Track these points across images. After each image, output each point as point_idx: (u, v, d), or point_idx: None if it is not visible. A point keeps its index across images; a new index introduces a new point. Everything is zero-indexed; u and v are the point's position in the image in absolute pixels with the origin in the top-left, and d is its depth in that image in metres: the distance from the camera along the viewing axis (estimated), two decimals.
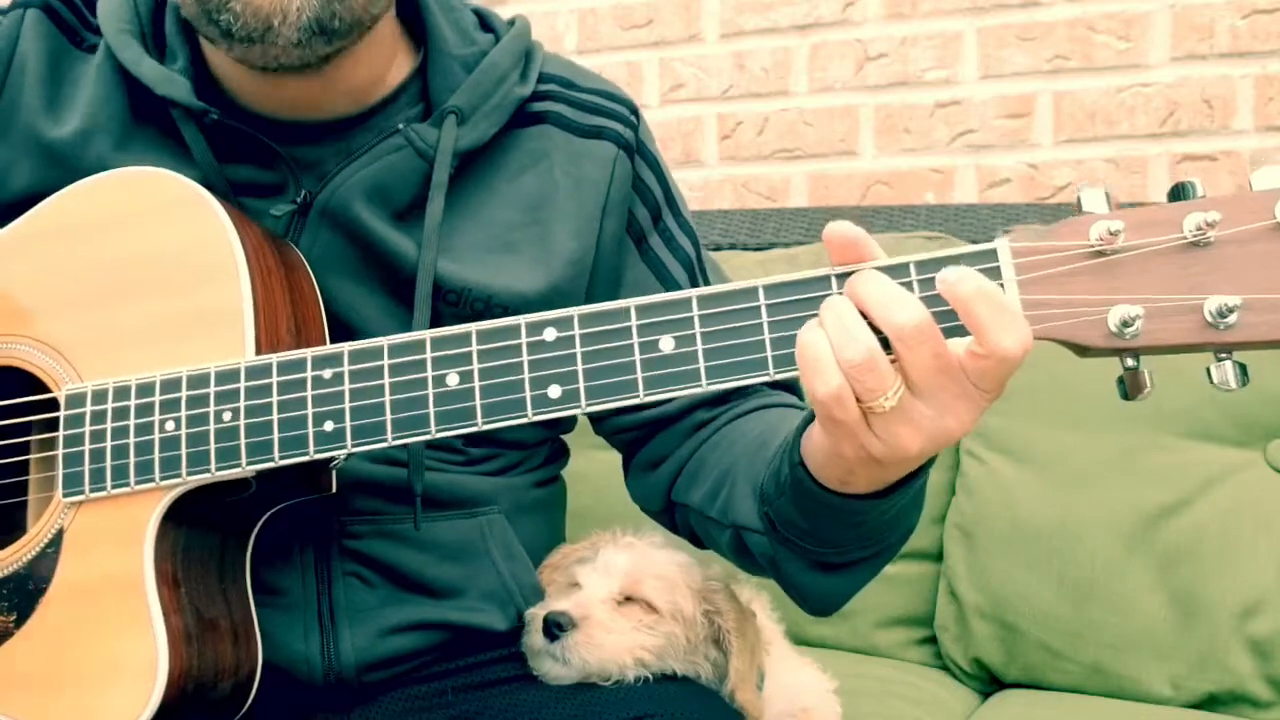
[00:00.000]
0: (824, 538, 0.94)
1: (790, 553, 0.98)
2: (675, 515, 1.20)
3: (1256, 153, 2.01)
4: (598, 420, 1.25)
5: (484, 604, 1.14)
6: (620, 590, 1.13)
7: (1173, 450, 1.66)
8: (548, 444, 1.27)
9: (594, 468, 1.55)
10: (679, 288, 1.10)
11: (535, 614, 1.12)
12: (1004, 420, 1.76)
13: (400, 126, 1.10)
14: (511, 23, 1.21)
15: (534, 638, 1.11)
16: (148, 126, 1.11)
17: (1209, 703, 1.61)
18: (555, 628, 1.09)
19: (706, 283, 1.23)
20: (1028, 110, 2.14)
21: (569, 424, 1.30)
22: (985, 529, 1.74)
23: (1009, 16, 2.14)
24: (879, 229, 1.99)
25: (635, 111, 1.23)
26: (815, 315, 0.79)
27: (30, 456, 1.07)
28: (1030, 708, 1.67)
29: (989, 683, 1.78)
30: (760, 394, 1.19)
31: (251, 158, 1.10)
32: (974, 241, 1.97)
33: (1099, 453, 1.69)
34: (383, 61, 1.14)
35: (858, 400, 0.78)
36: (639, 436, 1.22)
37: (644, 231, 1.21)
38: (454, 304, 1.10)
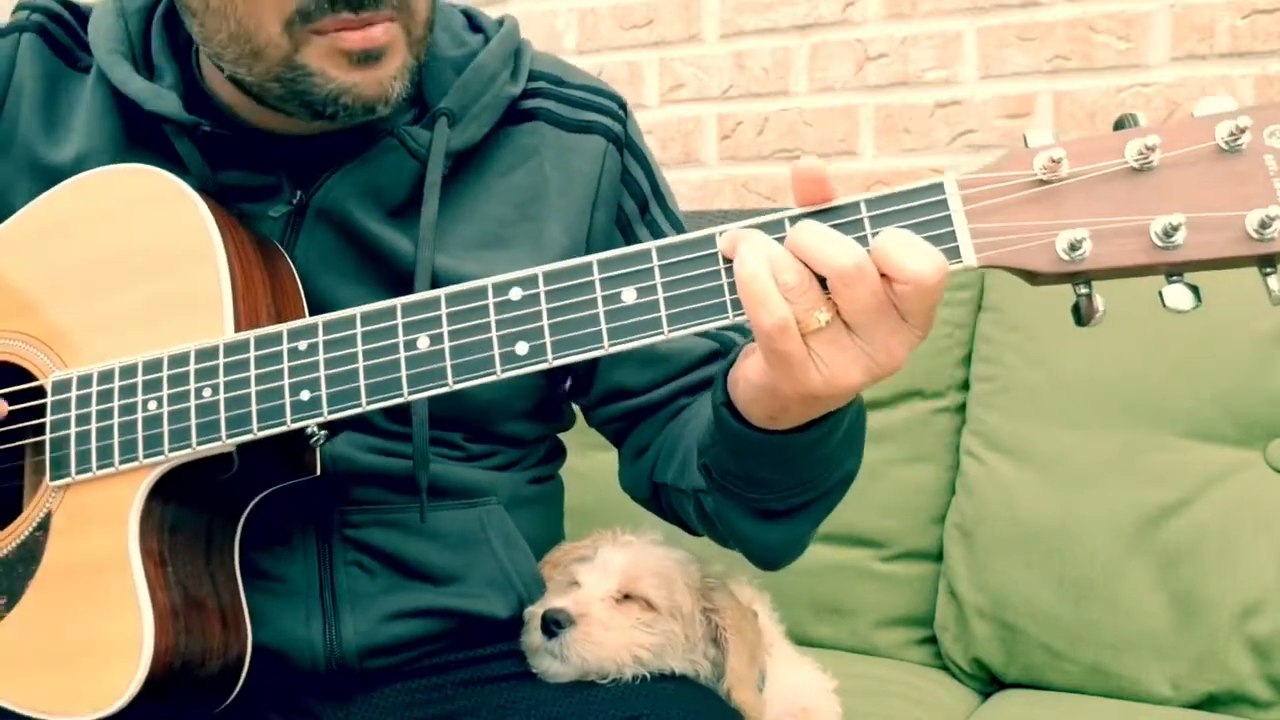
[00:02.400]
0: (755, 479, 0.97)
1: (728, 500, 1.01)
2: (660, 499, 1.21)
3: None
4: (588, 411, 1.27)
5: (485, 590, 1.15)
6: (618, 588, 1.13)
7: (1173, 450, 1.66)
8: (545, 441, 1.28)
9: (594, 467, 1.55)
10: None
11: (534, 612, 1.12)
12: (1004, 420, 1.76)
13: (394, 129, 1.12)
14: (500, 22, 1.23)
15: (533, 635, 1.11)
16: (142, 144, 1.13)
17: (1209, 703, 1.61)
18: (554, 625, 1.09)
19: None
20: (1028, 110, 2.14)
21: (567, 421, 1.31)
22: (985, 529, 1.74)
23: (1009, 16, 2.14)
24: None
25: (624, 106, 1.25)
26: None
27: (25, 442, 1.09)
28: (1030, 708, 1.67)
29: (989, 683, 1.78)
30: None
31: (245, 164, 1.12)
32: None
33: (1099, 453, 1.69)
34: None
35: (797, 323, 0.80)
36: (625, 426, 1.23)
37: (630, 224, 1.23)
38: None
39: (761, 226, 0.84)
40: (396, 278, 1.11)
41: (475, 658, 1.15)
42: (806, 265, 0.80)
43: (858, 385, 0.82)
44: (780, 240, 0.82)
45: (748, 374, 0.89)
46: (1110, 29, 2.07)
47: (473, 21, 1.24)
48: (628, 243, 1.20)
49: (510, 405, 1.18)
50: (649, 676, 1.10)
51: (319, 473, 1.05)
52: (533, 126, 1.19)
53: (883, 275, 0.80)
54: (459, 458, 1.17)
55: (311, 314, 1.07)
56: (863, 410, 0.97)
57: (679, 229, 1.25)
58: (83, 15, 1.20)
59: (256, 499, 1.05)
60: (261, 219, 1.11)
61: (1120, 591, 1.65)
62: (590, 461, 1.52)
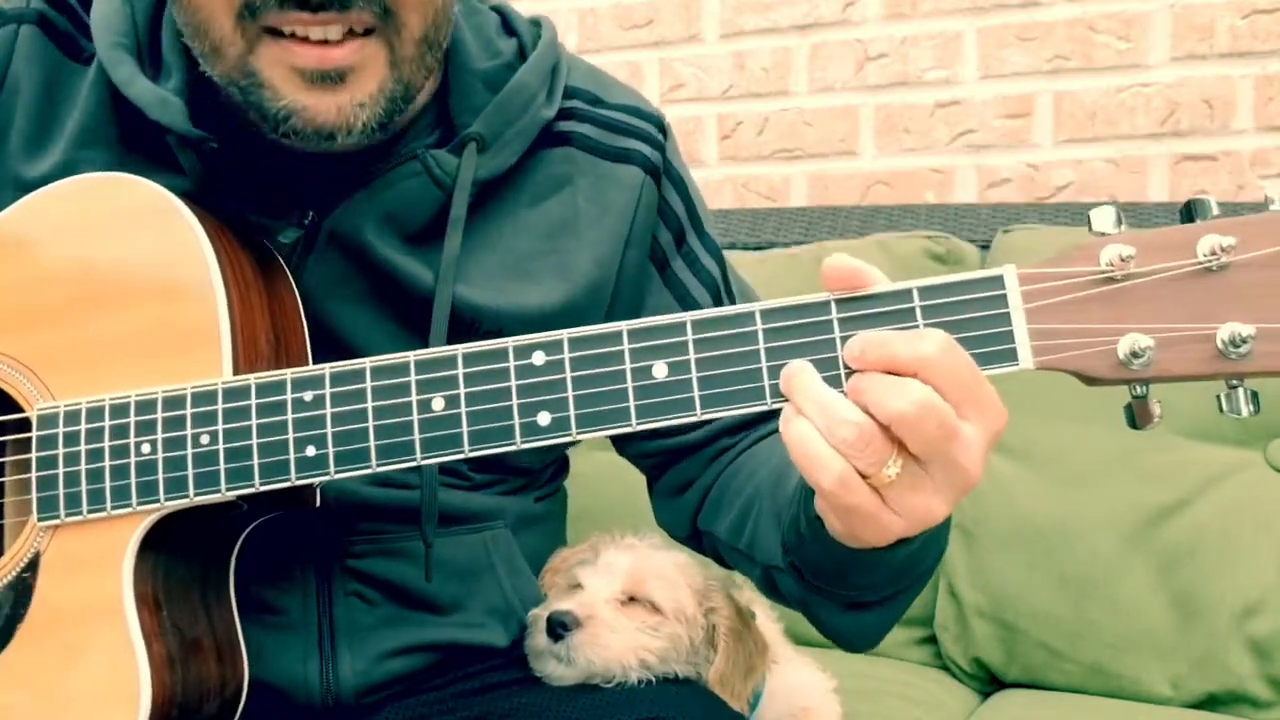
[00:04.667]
0: (852, 581, 0.91)
1: (820, 598, 0.96)
2: (703, 542, 1.18)
3: (1257, 153, 2.01)
4: (619, 444, 1.21)
5: (486, 619, 1.12)
6: (623, 590, 1.13)
7: (1173, 450, 1.66)
8: (553, 465, 1.24)
9: (594, 467, 1.55)
10: None
11: (538, 615, 1.11)
12: None
13: (419, 153, 1.04)
14: (536, 24, 1.16)
15: (537, 638, 1.10)
16: (140, 150, 1.04)
17: (1209, 703, 1.61)
18: (559, 627, 1.08)
19: (733, 303, 1.17)
20: (1028, 110, 2.14)
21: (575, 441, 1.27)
22: (985, 529, 1.74)
23: (1009, 16, 2.14)
24: (879, 229, 1.99)
25: (664, 129, 1.17)
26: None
27: (5, 479, 1.03)
28: (1030, 708, 1.67)
29: (989, 683, 1.78)
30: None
31: (253, 180, 1.04)
32: (973, 241, 1.97)
33: (1099, 452, 1.69)
34: None
35: (864, 478, 0.75)
36: (662, 462, 1.18)
37: (667, 257, 1.17)
38: (466, 331, 1.06)
39: (802, 307, 0.79)
40: (411, 307, 1.05)
41: (475, 671, 1.12)
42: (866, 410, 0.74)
43: (945, 514, 0.77)
44: (835, 374, 0.77)
45: (828, 518, 0.82)
46: (1110, 29, 2.07)
47: (507, 22, 1.15)
48: (663, 277, 1.16)
49: None
50: (654, 679, 1.10)
51: (317, 505, 0.99)
52: (566, 153, 1.12)
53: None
54: (465, 487, 1.12)
55: (317, 340, 1.02)
56: None
57: (716, 255, 1.19)
58: None
59: (249, 529, 1.00)
60: (269, 239, 1.03)
61: (1120, 591, 1.65)
62: (590, 462, 1.52)
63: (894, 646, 1.84)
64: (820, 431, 0.75)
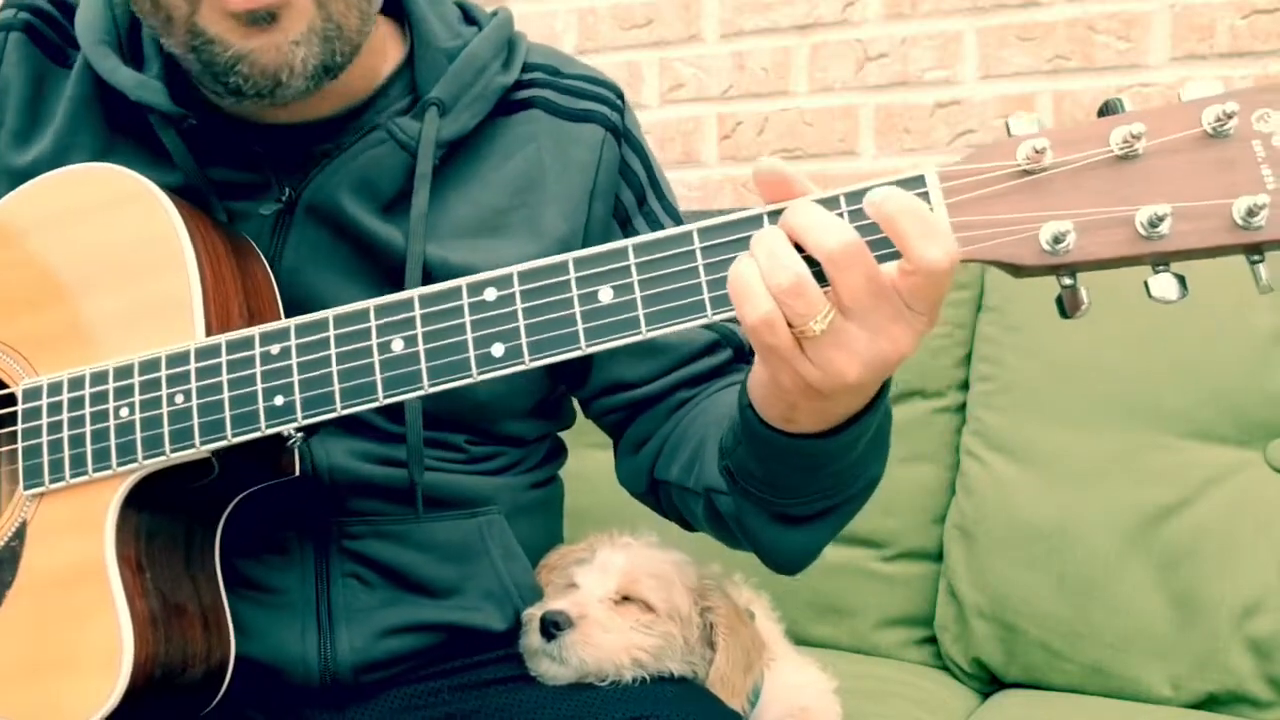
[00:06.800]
0: (781, 484, 0.95)
1: (751, 505, 0.99)
2: (659, 495, 1.20)
3: None
4: (585, 403, 1.25)
5: (482, 603, 1.14)
6: (617, 589, 1.13)
7: (1173, 450, 1.66)
8: (547, 440, 1.27)
9: (593, 467, 1.55)
10: None
11: (532, 614, 1.12)
12: (1004, 420, 1.76)
13: (382, 121, 1.10)
14: (494, 14, 1.22)
15: (531, 638, 1.11)
16: (127, 135, 1.11)
17: (1209, 703, 1.61)
18: (552, 627, 1.09)
19: None
20: (1028, 110, 2.14)
21: (568, 418, 1.31)
22: (985, 529, 1.74)
23: (1009, 16, 2.14)
24: None
25: (620, 96, 1.23)
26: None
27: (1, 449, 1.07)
28: (1030, 708, 1.67)
29: (989, 683, 1.78)
30: (740, 371, 1.19)
31: (233, 160, 1.10)
32: None
33: (1099, 453, 1.69)
34: (372, 62, 1.14)
35: (790, 325, 0.78)
36: (624, 418, 1.22)
37: (629, 215, 1.22)
38: None
39: (737, 223, 0.82)
40: (390, 272, 1.10)
41: (472, 663, 1.15)
42: (801, 248, 0.78)
43: (859, 380, 0.80)
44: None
45: (755, 372, 0.88)
46: (1110, 29, 2.07)
47: (467, 15, 1.23)
48: (625, 235, 1.21)
49: (510, 403, 1.17)
50: (648, 678, 1.10)
51: (297, 474, 1.03)
52: (528, 115, 1.18)
53: (890, 255, 0.78)
54: (461, 461, 1.15)
55: (303, 312, 1.06)
56: (889, 414, 0.94)
57: (676, 220, 1.24)
58: (72, 11, 1.17)
59: (235, 501, 1.04)
60: (251, 216, 1.09)
61: (1120, 591, 1.65)
62: (587, 461, 1.52)
63: (894, 646, 1.85)
64: (761, 271, 0.78)
